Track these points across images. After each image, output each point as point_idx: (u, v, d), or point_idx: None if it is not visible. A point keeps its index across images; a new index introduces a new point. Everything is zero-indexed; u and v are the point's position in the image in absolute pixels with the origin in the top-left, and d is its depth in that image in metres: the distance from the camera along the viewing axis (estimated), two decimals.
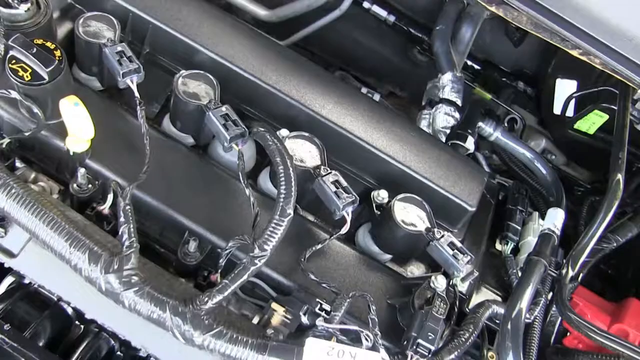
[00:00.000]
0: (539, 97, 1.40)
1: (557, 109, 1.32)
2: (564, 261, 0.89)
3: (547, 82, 1.33)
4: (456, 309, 0.84)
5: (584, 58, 0.90)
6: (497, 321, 0.85)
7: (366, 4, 1.42)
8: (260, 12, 1.39)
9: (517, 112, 1.40)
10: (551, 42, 0.91)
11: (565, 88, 1.27)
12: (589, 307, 1.00)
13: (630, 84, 0.90)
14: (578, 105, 1.27)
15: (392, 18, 1.44)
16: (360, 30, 1.48)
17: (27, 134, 0.77)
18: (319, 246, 0.81)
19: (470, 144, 1.06)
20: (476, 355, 0.89)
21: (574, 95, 1.20)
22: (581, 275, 1.02)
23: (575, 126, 1.26)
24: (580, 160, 1.36)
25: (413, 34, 1.45)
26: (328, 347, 0.69)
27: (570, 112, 1.28)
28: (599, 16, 0.85)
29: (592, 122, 1.23)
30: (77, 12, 0.91)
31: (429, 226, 0.85)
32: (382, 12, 1.44)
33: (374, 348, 0.71)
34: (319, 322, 0.71)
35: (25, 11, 0.81)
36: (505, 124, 1.26)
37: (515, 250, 1.00)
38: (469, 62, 1.47)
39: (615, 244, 1.06)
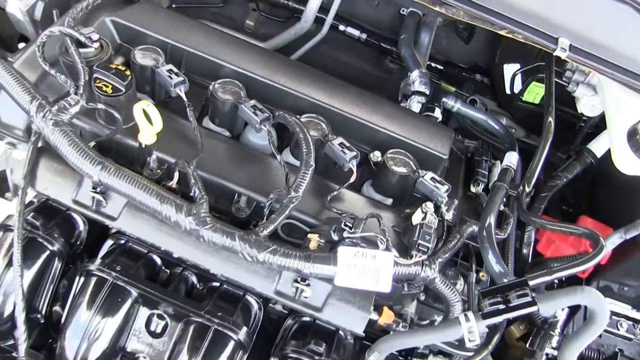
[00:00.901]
0: (493, 84, 1.72)
1: (508, 90, 1.64)
2: (521, 183, 1.18)
3: (497, 69, 1.65)
4: (444, 233, 1.12)
5: (510, 36, 1.21)
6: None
7: (341, 27, 1.75)
8: (257, 45, 1.72)
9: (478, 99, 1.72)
10: (484, 27, 1.22)
11: (511, 70, 1.58)
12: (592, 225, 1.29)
13: (549, 51, 1.21)
14: (524, 83, 1.59)
15: (364, 36, 1.77)
16: (339, 50, 1.80)
17: (108, 135, 1.05)
18: (336, 192, 1.09)
19: (438, 113, 1.37)
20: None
21: (516, 73, 1.52)
22: (543, 205, 1.31)
23: (524, 99, 1.58)
24: (536, 129, 1.66)
25: (383, 46, 1.78)
26: (355, 251, 0.96)
27: (517, 90, 1.60)
28: (512, 2, 1.17)
29: (535, 93, 1.55)
30: (126, 50, 1.21)
31: (414, 169, 1.14)
32: (355, 32, 1.77)
33: (387, 249, 0.98)
34: (345, 234, 0.98)
35: (95, 49, 1.11)
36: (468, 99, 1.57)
37: (487, 192, 1.28)
38: (433, 64, 1.79)
39: (565, 180, 1.35)
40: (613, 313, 1.32)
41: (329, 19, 1.65)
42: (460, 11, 1.21)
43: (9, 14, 1.30)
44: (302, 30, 1.67)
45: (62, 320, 0.99)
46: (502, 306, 0.92)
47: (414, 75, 1.51)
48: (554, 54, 1.18)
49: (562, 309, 1.16)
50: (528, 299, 0.91)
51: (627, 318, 1.34)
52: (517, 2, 1.17)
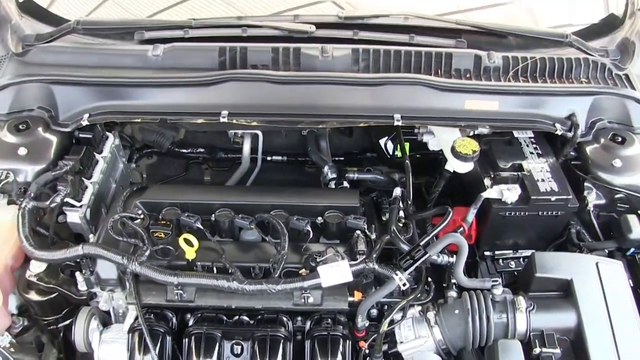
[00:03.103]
0: (379, 155, 2.63)
1: (387, 155, 2.56)
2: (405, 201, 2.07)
3: (376, 145, 2.58)
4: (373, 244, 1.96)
5: (371, 124, 2.12)
6: None
7: (269, 158, 2.65)
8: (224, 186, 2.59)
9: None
10: (354, 125, 2.15)
11: (383, 142, 2.52)
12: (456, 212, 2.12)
13: (393, 124, 2.13)
14: (393, 147, 2.53)
15: (285, 158, 2.69)
16: (273, 172, 2.68)
17: (169, 261, 1.86)
18: (305, 245, 1.92)
19: (346, 184, 2.27)
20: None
21: (386, 142, 2.46)
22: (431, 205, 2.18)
23: (398, 156, 2.50)
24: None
25: (300, 160, 2.69)
26: (326, 266, 1.78)
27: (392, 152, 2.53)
28: (362, 105, 2.10)
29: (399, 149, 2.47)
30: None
31: (342, 216, 1.98)
32: (279, 157, 2.68)
33: (342, 259, 1.81)
34: (318, 259, 1.80)
35: (141, 219, 1.94)
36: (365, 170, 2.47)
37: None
38: (336, 158, 2.70)
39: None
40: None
41: (259, 155, 2.57)
42: (334, 121, 2.14)
43: (70, 223, 2.11)
44: (244, 169, 2.58)
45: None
46: (410, 261, 1.77)
47: (326, 169, 2.42)
48: (395, 124, 2.11)
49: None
50: (422, 251, 1.77)
51: None
52: (366, 104, 2.09)
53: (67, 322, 1.97)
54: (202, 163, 2.69)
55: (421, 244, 1.81)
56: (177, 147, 2.56)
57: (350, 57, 2.16)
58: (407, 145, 2.41)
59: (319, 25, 2.25)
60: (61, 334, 2.00)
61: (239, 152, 2.56)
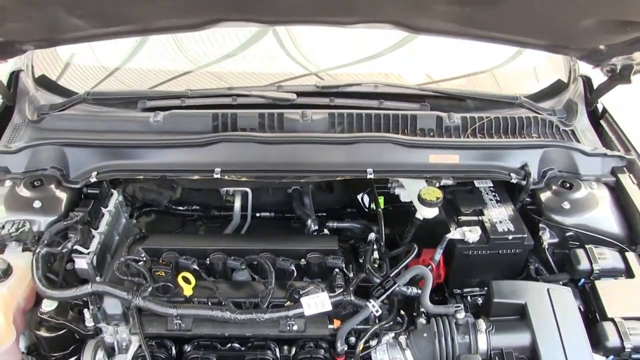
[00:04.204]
0: (359, 210, 2.93)
1: (365, 208, 2.86)
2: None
3: (355, 200, 2.89)
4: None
5: (347, 177, 2.45)
6: None
7: (257, 214, 2.95)
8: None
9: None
10: (332, 180, 2.47)
11: (360, 197, 2.83)
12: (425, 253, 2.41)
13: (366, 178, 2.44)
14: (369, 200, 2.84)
15: (272, 214, 2.98)
16: (262, 227, 2.97)
17: (169, 298, 2.11)
18: (289, 282, 2.19)
19: (326, 231, 2.56)
20: None
21: (362, 196, 2.77)
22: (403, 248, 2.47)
23: (373, 208, 2.80)
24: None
25: (286, 216, 2.98)
26: (308, 298, 2.04)
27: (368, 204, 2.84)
28: (336, 163, 2.43)
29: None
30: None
31: (322, 257, 2.26)
32: (266, 214, 2.97)
33: (322, 292, 2.07)
34: (301, 292, 2.07)
35: (144, 262, 2.21)
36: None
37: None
38: (319, 214, 2.99)
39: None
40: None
41: (249, 212, 2.86)
42: (314, 176, 2.45)
43: (78, 269, 2.35)
44: (236, 224, 2.86)
45: None
46: (382, 290, 2.04)
47: (309, 222, 2.71)
48: (367, 177, 2.43)
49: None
50: (391, 281, 2.04)
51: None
52: (342, 160, 2.42)
53: (74, 358, 2.19)
54: (197, 220, 2.97)
55: (391, 275, 2.09)
56: (174, 205, 2.86)
57: (327, 120, 2.51)
58: (381, 199, 2.72)
59: (300, 94, 2.61)
60: None
61: (231, 209, 2.86)
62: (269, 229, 2.95)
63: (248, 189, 2.78)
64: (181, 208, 2.87)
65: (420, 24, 2.18)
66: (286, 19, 2.25)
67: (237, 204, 2.81)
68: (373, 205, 2.78)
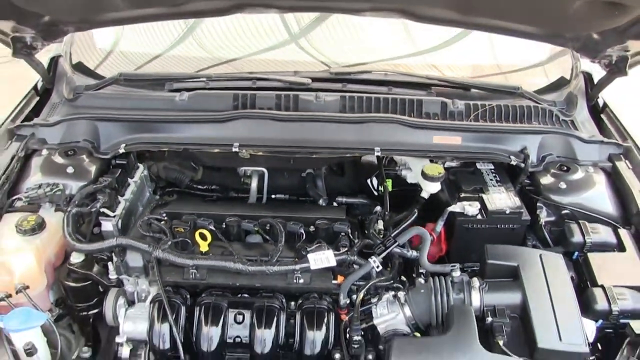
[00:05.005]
0: (369, 194, 3.10)
1: (375, 192, 3.04)
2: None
3: (366, 183, 3.06)
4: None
5: (356, 155, 2.63)
6: None
7: (273, 196, 3.14)
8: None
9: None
10: (341, 157, 2.66)
11: (369, 180, 3.01)
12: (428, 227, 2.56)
13: (374, 155, 2.63)
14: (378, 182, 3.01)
15: (287, 197, 3.16)
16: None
17: (187, 253, 2.30)
18: (299, 244, 2.36)
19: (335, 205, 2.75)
20: None
21: (371, 179, 2.95)
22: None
23: (381, 189, 2.97)
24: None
25: (300, 199, 3.15)
26: (315, 253, 2.22)
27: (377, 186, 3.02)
28: (345, 142, 2.62)
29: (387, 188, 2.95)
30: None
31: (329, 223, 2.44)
32: (281, 196, 3.16)
33: (328, 250, 2.24)
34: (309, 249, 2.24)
35: (165, 221, 2.41)
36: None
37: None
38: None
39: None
40: None
41: (265, 193, 3.05)
42: (325, 152, 2.64)
43: (103, 232, 2.55)
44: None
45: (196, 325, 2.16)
46: (383, 248, 2.21)
47: (320, 201, 2.89)
48: (375, 155, 2.61)
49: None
50: (392, 240, 2.21)
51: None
52: (351, 139, 2.60)
53: (97, 310, 2.37)
54: (216, 201, 3.17)
55: (392, 235, 2.26)
56: (194, 184, 3.06)
57: (339, 102, 2.71)
58: (389, 182, 2.90)
59: (315, 79, 2.82)
60: (91, 321, 2.39)
61: (248, 192, 3.04)
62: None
63: (264, 169, 2.97)
64: (201, 187, 3.07)
65: (423, 12, 2.39)
66: (302, 4, 2.47)
67: (254, 184, 2.99)
68: (382, 188, 2.96)
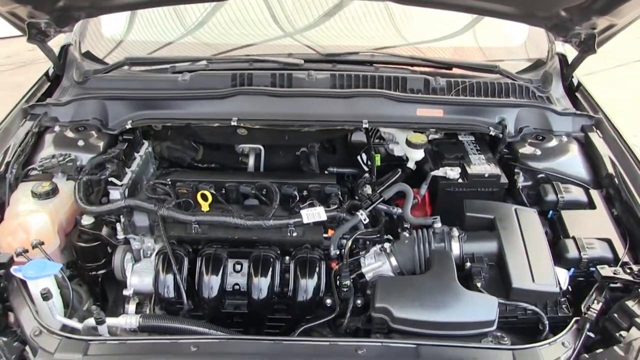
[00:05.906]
0: (360, 167, 3.30)
1: (365, 167, 3.23)
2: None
3: (356, 160, 3.26)
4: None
5: (345, 128, 2.84)
6: None
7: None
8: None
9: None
10: (323, 127, 2.87)
11: (358, 155, 3.21)
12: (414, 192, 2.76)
13: (362, 128, 2.84)
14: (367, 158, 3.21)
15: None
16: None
17: (191, 211, 2.49)
18: (293, 204, 2.56)
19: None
20: None
21: (361, 155, 3.15)
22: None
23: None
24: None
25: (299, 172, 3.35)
26: (307, 209, 2.41)
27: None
28: (335, 115, 2.83)
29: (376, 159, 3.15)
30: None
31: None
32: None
33: (319, 206, 2.44)
34: (301, 206, 2.44)
35: (169, 187, 2.61)
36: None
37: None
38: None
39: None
40: None
41: (261, 169, 3.25)
42: (317, 124, 2.85)
43: (112, 200, 2.73)
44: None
45: (198, 274, 2.34)
46: (369, 202, 2.40)
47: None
48: (363, 127, 2.82)
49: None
50: (378, 195, 2.41)
51: None
52: (341, 112, 2.81)
53: (105, 270, 2.55)
54: (215, 170, 3.37)
55: (378, 192, 2.45)
56: (195, 163, 3.26)
57: (329, 79, 2.92)
58: (378, 156, 3.10)
59: (307, 60, 3.04)
60: (99, 280, 2.57)
61: (245, 170, 3.25)
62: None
63: (261, 147, 3.17)
64: (201, 166, 3.27)
65: None
66: None
67: (251, 162, 3.19)
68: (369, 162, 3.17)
